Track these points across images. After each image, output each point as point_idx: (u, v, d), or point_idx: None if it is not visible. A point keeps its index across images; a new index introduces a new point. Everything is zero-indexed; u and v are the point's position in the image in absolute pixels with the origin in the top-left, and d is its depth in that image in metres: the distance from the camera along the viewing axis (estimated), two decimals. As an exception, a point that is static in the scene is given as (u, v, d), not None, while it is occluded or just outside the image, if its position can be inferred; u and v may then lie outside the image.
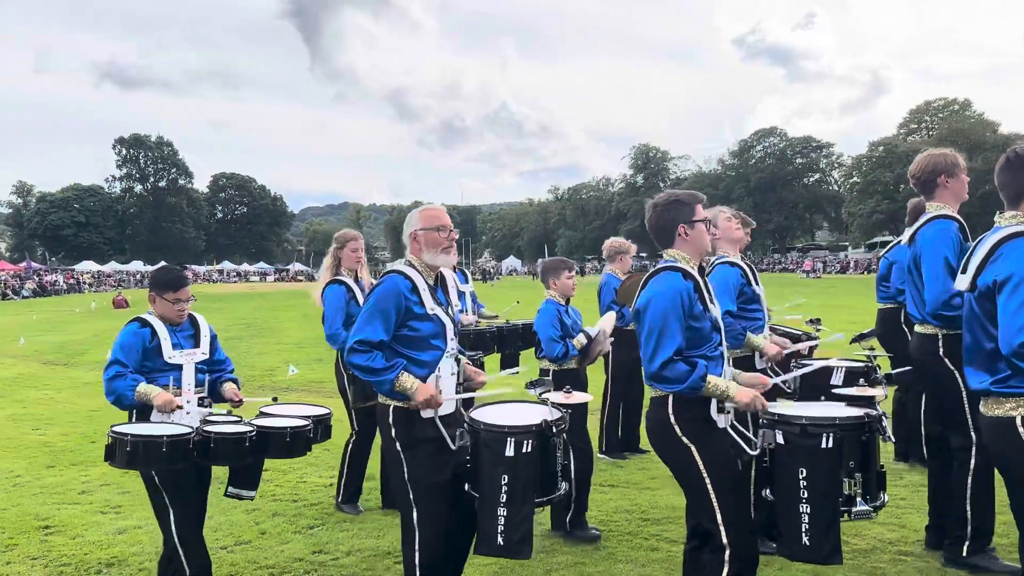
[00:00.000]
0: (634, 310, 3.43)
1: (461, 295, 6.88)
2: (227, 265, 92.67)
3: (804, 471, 3.18)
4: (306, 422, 4.13)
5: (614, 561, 4.62)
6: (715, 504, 3.19)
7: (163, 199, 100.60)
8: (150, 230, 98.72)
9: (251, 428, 3.93)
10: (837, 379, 4.46)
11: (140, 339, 4.03)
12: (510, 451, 3.23)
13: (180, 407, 3.96)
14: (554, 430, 3.35)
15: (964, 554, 4.22)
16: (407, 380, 3.46)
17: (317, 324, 5.95)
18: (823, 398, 3.86)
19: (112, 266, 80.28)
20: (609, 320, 5.40)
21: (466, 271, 7.57)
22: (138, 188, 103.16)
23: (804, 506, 3.16)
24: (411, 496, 3.49)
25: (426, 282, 3.58)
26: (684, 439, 3.24)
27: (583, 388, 5.03)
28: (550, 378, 4.11)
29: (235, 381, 4.38)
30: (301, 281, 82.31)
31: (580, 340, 5.20)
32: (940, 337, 4.17)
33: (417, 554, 3.48)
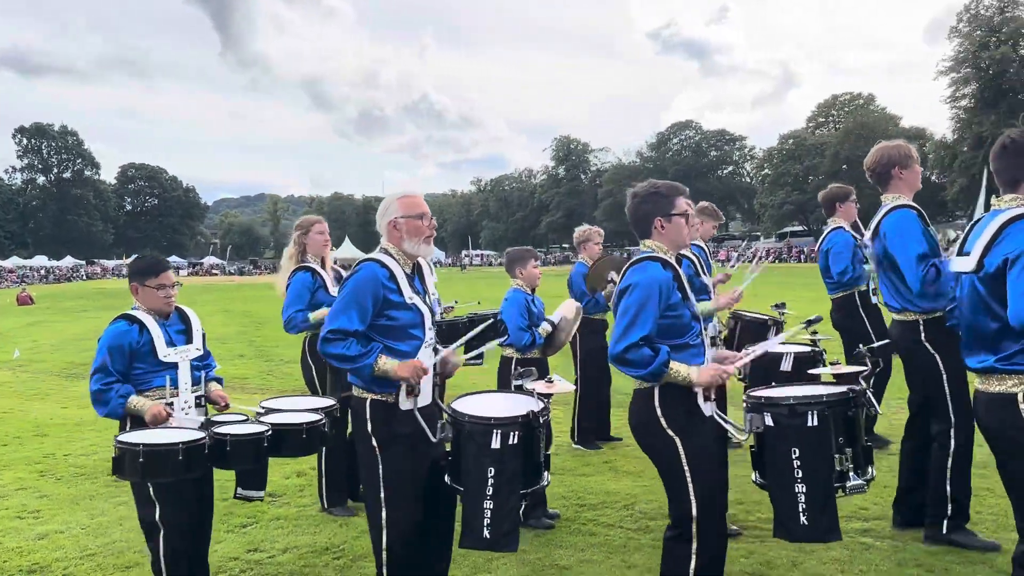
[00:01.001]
0: (615, 294, 3.41)
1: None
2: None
3: (797, 451, 3.17)
4: (319, 416, 4.02)
5: (553, 547, 4.69)
6: (692, 497, 3.22)
7: (68, 191, 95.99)
8: (54, 223, 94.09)
9: (267, 427, 3.78)
10: (786, 365, 4.61)
11: (127, 340, 3.77)
12: (496, 443, 3.18)
13: (171, 415, 3.78)
14: (540, 421, 3.32)
15: (944, 531, 4.41)
16: (386, 362, 3.36)
17: (237, 319, 5.78)
18: (773, 383, 3.90)
19: (14, 261, 76.20)
20: (569, 307, 5.45)
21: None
22: (41, 180, 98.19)
23: (799, 486, 3.16)
24: (382, 495, 3.40)
25: (404, 271, 3.50)
26: (669, 431, 3.25)
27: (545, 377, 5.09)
28: (533, 367, 4.04)
29: (219, 381, 4.21)
30: (216, 275, 79.99)
31: (545, 328, 5.28)
32: (921, 323, 4.35)
33: (385, 554, 3.41)
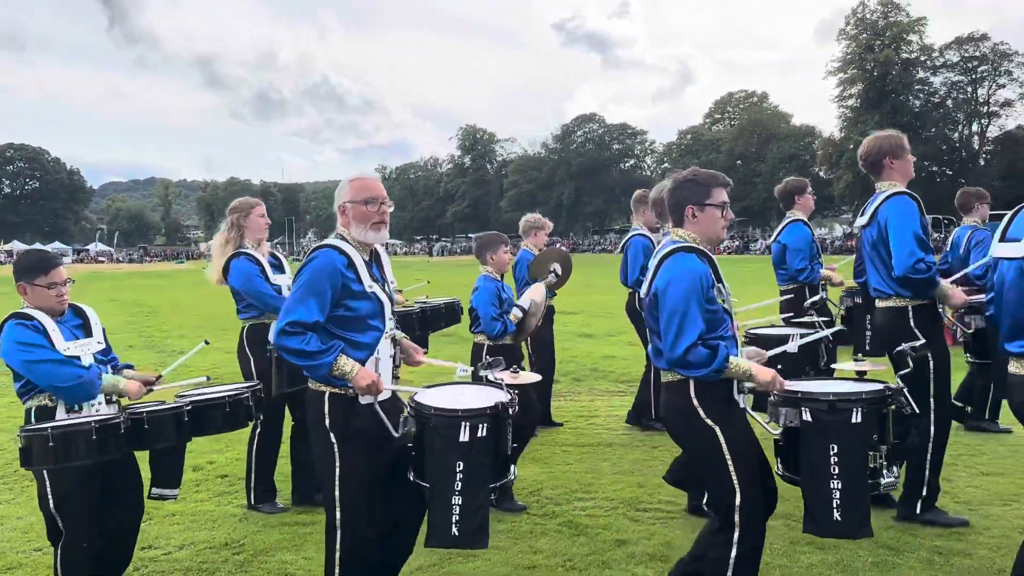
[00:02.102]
0: (650, 293, 3.30)
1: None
2: (17, 245, 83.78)
3: (835, 447, 3.12)
4: (243, 390, 3.84)
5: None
6: (736, 486, 3.16)
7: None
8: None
9: (185, 403, 3.62)
10: (792, 347, 4.68)
11: (35, 331, 3.57)
12: (464, 436, 3.04)
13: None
14: (509, 412, 3.20)
15: (918, 511, 4.53)
16: (346, 363, 3.16)
17: (126, 309, 5.43)
18: (779, 366, 3.75)
19: None
20: (538, 290, 5.38)
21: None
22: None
23: (835, 482, 3.11)
24: (336, 493, 3.22)
25: (362, 257, 3.31)
26: (708, 421, 3.19)
27: (518, 363, 5.06)
28: (501, 357, 3.94)
29: (131, 368, 4.02)
30: (103, 263, 76.14)
31: (516, 315, 5.20)
32: (910, 309, 4.42)
33: (338, 553, 3.24)
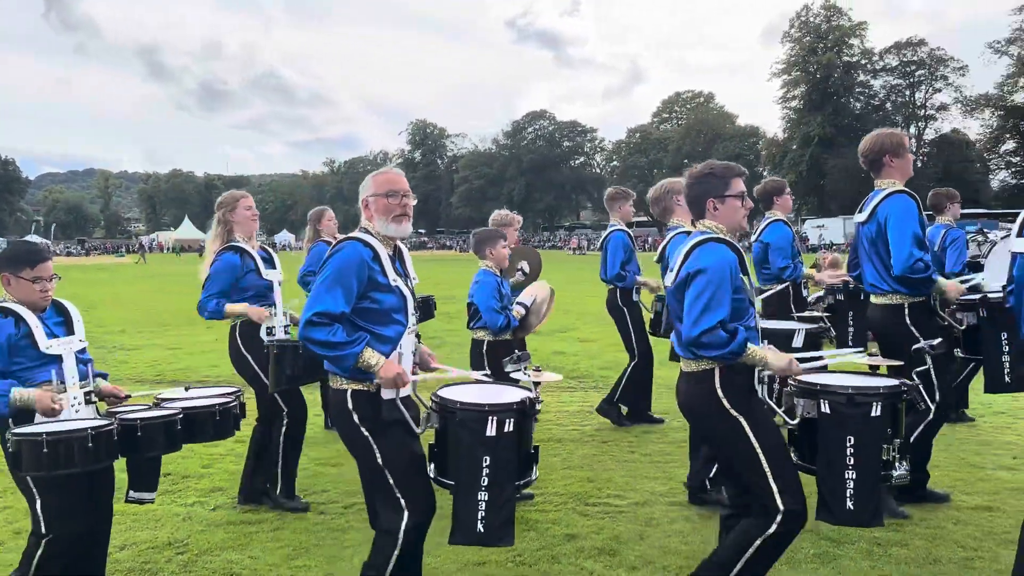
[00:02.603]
0: (680, 276, 3.31)
1: None
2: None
3: (852, 439, 3.18)
4: (231, 398, 3.79)
5: (280, 531, 4.63)
6: (767, 471, 3.18)
7: None
8: None
9: (178, 410, 3.53)
10: (797, 342, 4.74)
11: (3, 334, 3.37)
12: (491, 430, 3.02)
13: (61, 408, 3.38)
14: (536, 408, 3.20)
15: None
16: (371, 356, 3.11)
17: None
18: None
19: None
20: (543, 288, 5.35)
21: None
22: None
23: (850, 472, 3.18)
24: (391, 480, 3.15)
25: (386, 251, 3.30)
26: (732, 411, 3.21)
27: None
28: (527, 351, 3.94)
29: (104, 377, 3.84)
30: (41, 255, 73.46)
31: (519, 311, 5.15)
32: (906, 306, 4.50)
33: (401, 536, 3.14)
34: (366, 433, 3.18)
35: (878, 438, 3.20)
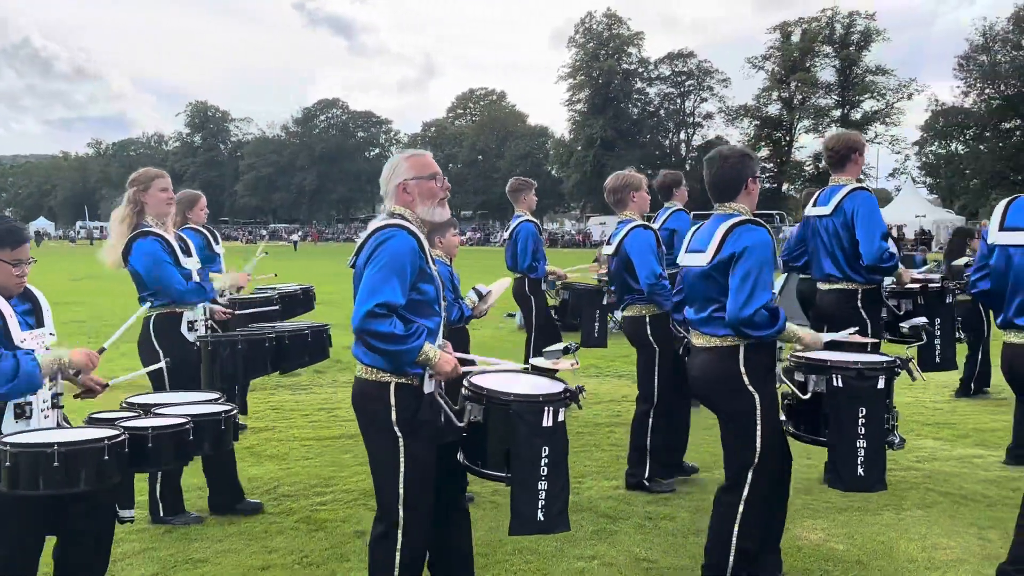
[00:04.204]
0: (719, 257, 3.39)
1: (217, 256, 5.82)
2: None
3: (864, 410, 3.43)
4: (230, 406, 3.55)
5: (189, 540, 4.33)
6: (757, 446, 3.40)
7: None
8: None
9: (186, 418, 3.23)
10: (844, 336, 4.86)
11: None
12: (548, 421, 2.99)
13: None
14: (580, 396, 3.19)
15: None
16: (430, 349, 2.99)
17: None
18: None
19: None
20: (505, 285, 5.24)
21: (216, 231, 6.16)
22: None
23: (860, 441, 3.43)
24: (402, 492, 3.04)
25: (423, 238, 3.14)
26: (750, 387, 3.39)
27: (466, 347, 4.87)
28: (562, 345, 3.82)
29: None
30: None
31: (472, 299, 4.94)
32: (859, 292, 4.81)
33: (398, 557, 3.06)
34: (399, 433, 3.04)
35: (884, 408, 3.50)
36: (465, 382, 3.18)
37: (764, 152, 66.40)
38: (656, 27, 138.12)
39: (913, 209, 44.99)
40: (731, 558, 3.47)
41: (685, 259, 3.68)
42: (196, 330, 4.63)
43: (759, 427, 3.42)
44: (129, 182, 4.63)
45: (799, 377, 3.60)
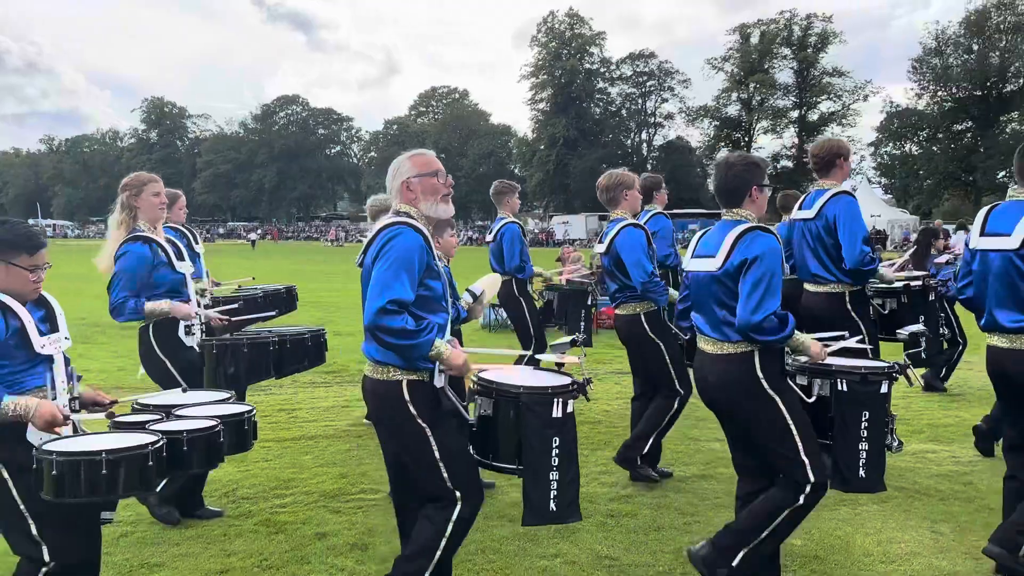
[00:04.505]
0: (730, 263, 3.39)
1: (198, 256, 5.68)
2: None
3: (867, 414, 3.50)
4: (248, 407, 3.55)
5: (144, 545, 4.24)
6: (800, 445, 3.38)
7: None
8: None
9: (216, 421, 3.24)
10: (852, 343, 4.92)
11: None
12: (558, 412, 3.08)
13: (68, 418, 2.90)
14: (588, 388, 3.30)
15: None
16: (440, 344, 3.03)
17: None
18: None
19: None
20: (494, 280, 5.14)
21: (195, 231, 6.03)
22: None
23: (863, 444, 3.51)
24: (445, 473, 3.09)
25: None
26: (770, 391, 3.39)
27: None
28: (569, 339, 3.87)
29: (79, 379, 3.31)
30: None
31: (467, 300, 4.86)
32: (847, 294, 4.89)
33: (450, 526, 3.11)
34: (423, 425, 3.09)
35: (884, 413, 3.58)
36: (473, 377, 3.26)
37: (724, 152, 67.16)
38: (617, 27, 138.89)
39: (868, 209, 45.85)
40: (756, 540, 3.45)
41: (691, 264, 3.69)
42: (193, 334, 4.62)
43: (794, 431, 3.40)
44: (121, 187, 4.62)
45: (802, 381, 3.65)
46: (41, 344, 2.97)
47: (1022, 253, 3.66)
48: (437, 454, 3.10)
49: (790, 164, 63.90)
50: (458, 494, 3.12)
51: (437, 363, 3.08)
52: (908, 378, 3.72)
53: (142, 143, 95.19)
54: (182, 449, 3.06)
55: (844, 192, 5.02)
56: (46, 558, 2.91)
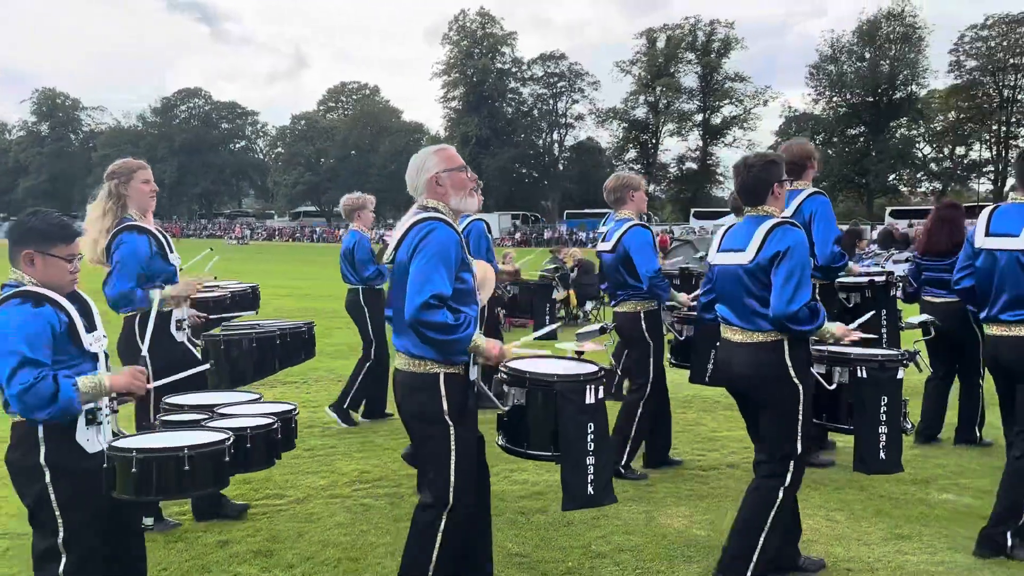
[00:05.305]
0: (762, 256, 3.53)
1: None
2: None
3: (886, 399, 3.72)
4: (292, 405, 3.67)
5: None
6: (799, 437, 3.59)
7: None
8: None
9: (272, 419, 3.36)
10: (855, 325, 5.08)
11: (46, 323, 2.74)
12: (590, 398, 3.17)
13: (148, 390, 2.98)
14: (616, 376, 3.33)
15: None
16: (479, 337, 3.10)
17: None
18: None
19: None
20: (483, 269, 5.00)
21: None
22: None
23: (883, 427, 3.72)
24: (453, 478, 3.15)
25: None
26: (796, 379, 3.56)
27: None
28: (598, 326, 3.90)
29: None
30: None
31: None
32: (817, 286, 4.97)
33: (440, 536, 3.16)
34: (449, 421, 3.13)
35: (900, 397, 3.79)
36: (503, 367, 3.31)
37: (632, 154, 68.76)
38: (528, 28, 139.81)
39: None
40: (761, 542, 3.60)
41: (718, 258, 3.85)
42: (183, 329, 4.44)
43: (801, 418, 3.60)
44: (108, 175, 4.42)
45: (821, 369, 3.84)
46: (88, 341, 2.90)
47: None
48: (454, 456, 3.16)
49: (694, 166, 65.84)
50: (451, 496, 3.17)
51: (472, 355, 3.14)
52: (917, 364, 4.00)
53: (32, 136, 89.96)
54: (246, 446, 3.16)
55: (819, 192, 5.35)
56: (60, 571, 2.83)
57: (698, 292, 4.84)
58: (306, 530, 4.45)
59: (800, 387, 3.59)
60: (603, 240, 5.57)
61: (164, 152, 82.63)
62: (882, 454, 3.79)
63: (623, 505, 4.73)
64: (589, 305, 13.71)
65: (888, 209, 51.37)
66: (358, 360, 6.99)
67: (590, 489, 3.22)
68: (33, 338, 2.71)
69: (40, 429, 2.76)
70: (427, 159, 3.29)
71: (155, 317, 3.85)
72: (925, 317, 5.12)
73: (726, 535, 4.39)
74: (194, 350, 4.47)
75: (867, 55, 56.80)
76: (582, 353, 3.82)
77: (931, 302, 6.10)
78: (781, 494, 3.63)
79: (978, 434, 6.13)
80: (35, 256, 2.85)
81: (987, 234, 4.15)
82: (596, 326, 4.02)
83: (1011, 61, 50.56)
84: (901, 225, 34.41)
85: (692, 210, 58.01)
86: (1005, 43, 50.78)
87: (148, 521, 3.62)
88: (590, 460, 3.20)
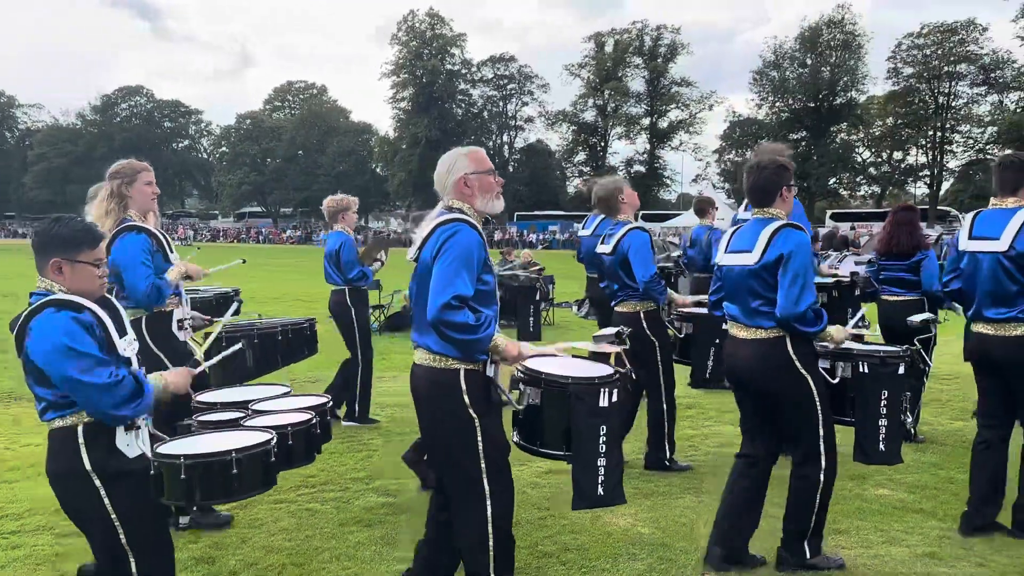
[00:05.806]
0: (767, 258, 3.67)
1: None
2: None
3: (886, 392, 3.88)
4: (326, 397, 3.71)
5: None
6: (820, 426, 3.79)
7: None
8: None
9: (311, 415, 3.38)
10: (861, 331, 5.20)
11: (88, 330, 2.71)
12: (604, 401, 3.23)
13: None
14: (629, 379, 3.46)
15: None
16: (499, 336, 3.17)
17: None
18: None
19: None
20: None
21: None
22: None
23: (883, 420, 3.90)
24: (483, 465, 3.15)
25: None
26: (803, 372, 3.74)
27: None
28: (614, 330, 3.92)
29: None
30: None
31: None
32: None
33: (490, 526, 3.15)
34: (474, 415, 3.14)
35: (902, 392, 3.96)
36: (519, 366, 3.37)
37: (581, 156, 69.22)
38: (477, 30, 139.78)
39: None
40: (812, 524, 3.90)
41: (725, 259, 3.97)
42: (185, 328, 4.46)
43: (819, 405, 3.79)
44: (110, 175, 4.41)
45: (825, 364, 3.99)
46: (122, 346, 2.87)
47: (1010, 255, 4.16)
48: (481, 446, 3.17)
49: (643, 169, 66.59)
50: (487, 492, 3.17)
51: (490, 354, 3.19)
52: (917, 362, 4.15)
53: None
54: (287, 444, 3.16)
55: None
56: (133, 570, 2.82)
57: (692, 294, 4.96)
58: (250, 536, 4.39)
59: (809, 378, 3.79)
60: (602, 242, 5.67)
61: (104, 151, 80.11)
62: (882, 445, 3.96)
63: (568, 505, 4.78)
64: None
65: (828, 212, 52.68)
66: (344, 363, 6.87)
67: (600, 489, 3.30)
68: (87, 344, 2.69)
69: (80, 434, 2.74)
70: (457, 160, 3.34)
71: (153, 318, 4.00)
72: (927, 315, 5.37)
73: (669, 531, 4.47)
74: (197, 350, 4.43)
75: (809, 61, 58.12)
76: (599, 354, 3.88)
77: (888, 300, 6.34)
78: (822, 477, 3.86)
79: (912, 431, 6.34)
80: (63, 264, 2.82)
81: (970, 237, 4.38)
82: (612, 330, 4.10)
83: (945, 69, 52.15)
84: (843, 227, 35.39)
85: (640, 212, 58.64)
86: (940, 51, 52.38)
87: (184, 520, 3.73)
88: (601, 462, 3.28)
